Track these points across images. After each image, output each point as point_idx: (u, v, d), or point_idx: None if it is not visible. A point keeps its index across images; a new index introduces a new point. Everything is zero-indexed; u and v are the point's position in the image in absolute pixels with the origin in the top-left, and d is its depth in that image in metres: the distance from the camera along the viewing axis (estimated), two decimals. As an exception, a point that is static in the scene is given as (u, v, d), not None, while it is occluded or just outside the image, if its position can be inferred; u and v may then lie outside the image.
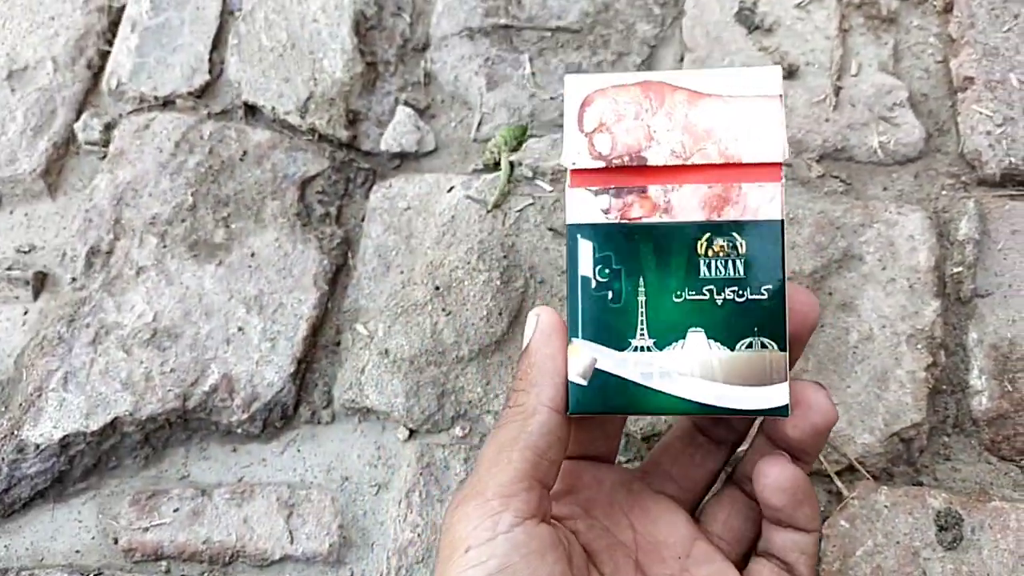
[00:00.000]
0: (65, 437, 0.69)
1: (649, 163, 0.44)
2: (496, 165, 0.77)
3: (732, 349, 0.44)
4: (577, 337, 0.44)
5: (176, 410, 0.70)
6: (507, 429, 0.44)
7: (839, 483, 0.64)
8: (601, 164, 0.44)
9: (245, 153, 0.78)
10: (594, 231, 0.44)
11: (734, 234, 0.44)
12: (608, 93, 0.44)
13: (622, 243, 0.45)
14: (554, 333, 0.45)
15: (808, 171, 0.74)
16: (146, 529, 0.68)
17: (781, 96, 0.44)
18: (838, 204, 0.72)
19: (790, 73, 0.78)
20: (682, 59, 0.81)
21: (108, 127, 0.81)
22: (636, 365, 0.44)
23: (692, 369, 0.44)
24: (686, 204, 0.44)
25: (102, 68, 0.84)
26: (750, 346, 0.44)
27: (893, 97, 0.76)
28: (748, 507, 0.49)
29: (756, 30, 0.81)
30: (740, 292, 0.44)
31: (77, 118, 0.81)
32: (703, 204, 0.44)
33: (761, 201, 0.44)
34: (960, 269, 0.69)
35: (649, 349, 0.44)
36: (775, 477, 0.45)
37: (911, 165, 0.74)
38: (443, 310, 0.71)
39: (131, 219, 0.76)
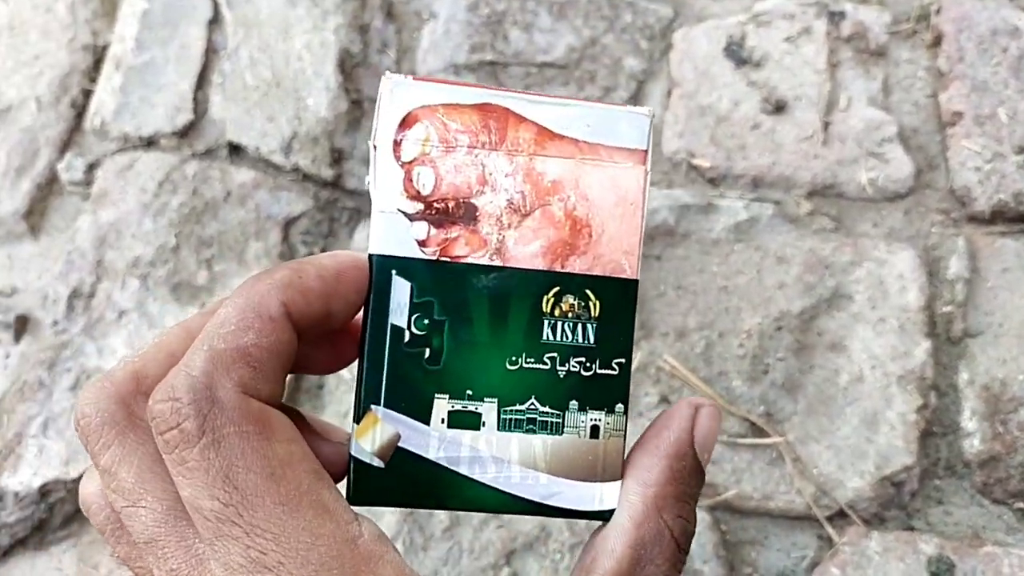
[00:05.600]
0: (45, 484, 0.68)
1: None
2: (481, 204, 0.76)
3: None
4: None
5: (157, 456, 0.69)
6: None
7: (829, 529, 0.62)
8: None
9: (229, 193, 0.77)
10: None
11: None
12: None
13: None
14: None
15: (797, 208, 0.74)
16: (126, 578, 0.67)
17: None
18: (827, 242, 0.71)
19: (778, 108, 0.77)
20: (669, 94, 0.80)
21: (91, 167, 0.80)
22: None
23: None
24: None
25: (86, 107, 0.83)
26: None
27: (882, 132, 0.75)
28: None
29: (745, 64, 0.80)
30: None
31: (60, 158, 0.81)
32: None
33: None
34: (950, 308, 0.68)
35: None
36: None
37: (901, 201, 0.73)
38: (427, 352, 0.70)
39: (113, 261, 0.75)
